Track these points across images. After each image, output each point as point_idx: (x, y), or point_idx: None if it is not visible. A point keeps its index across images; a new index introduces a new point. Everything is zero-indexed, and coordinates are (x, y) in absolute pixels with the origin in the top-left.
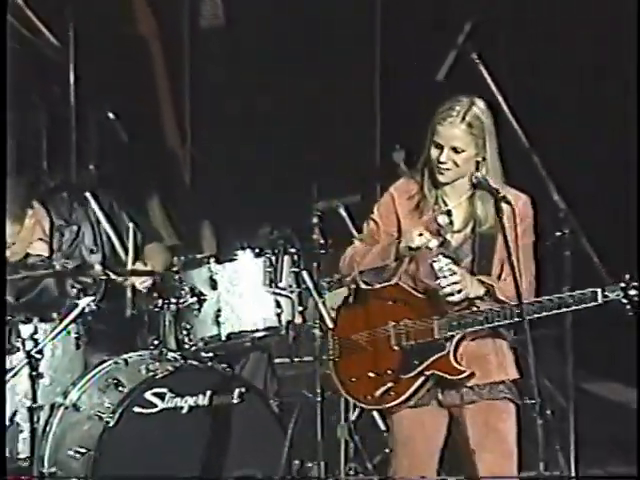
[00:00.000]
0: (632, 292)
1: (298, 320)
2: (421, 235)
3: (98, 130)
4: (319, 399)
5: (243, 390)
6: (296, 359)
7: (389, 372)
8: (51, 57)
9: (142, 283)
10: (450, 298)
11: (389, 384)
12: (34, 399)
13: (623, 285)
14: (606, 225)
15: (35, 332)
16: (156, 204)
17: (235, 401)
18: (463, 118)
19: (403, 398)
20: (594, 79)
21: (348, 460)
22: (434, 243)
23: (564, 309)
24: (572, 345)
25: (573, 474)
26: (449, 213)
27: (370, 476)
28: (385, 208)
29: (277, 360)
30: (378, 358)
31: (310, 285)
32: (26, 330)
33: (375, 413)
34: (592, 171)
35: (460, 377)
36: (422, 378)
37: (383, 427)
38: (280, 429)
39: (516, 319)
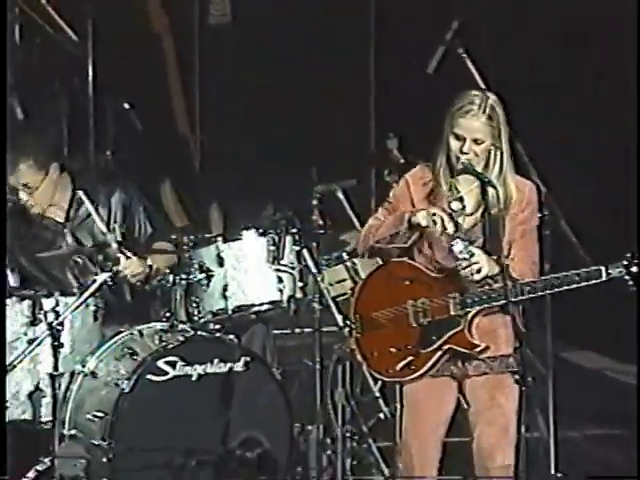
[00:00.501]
0: (634, 269)
1: (299, 295)
2: (434, 214)
3: (115, 119)
4: (318, 367)
5: (248, 359)
6: (297, 330)
7: (409, 347)
8: (71, 51)
9: (134, 276)
10: (471, 277)
11: (409, 358)
12: (56, 367)
13: (625, 263)
14: (584, 208)
15: (56, 305)
16: (168, 188)
17: (240, 369)
18: (484, 111)
19: (422, 371)
20: (572, 68)
21: (345, 423)
22: (451, 228)
23: (571, 286)
24: (551, 318)
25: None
26: (461, 199)
27: (365, 440)
28: (401, 193)
29: (279, 331)
30: (398, 334)
31: (310, 262)
32: (48, 303)
33: (380, 400)
34: (571, 157)
35: (476, 350)
36: (440, 352)
37: (387, 415)
38: (282, 395)
39: (528, 296)
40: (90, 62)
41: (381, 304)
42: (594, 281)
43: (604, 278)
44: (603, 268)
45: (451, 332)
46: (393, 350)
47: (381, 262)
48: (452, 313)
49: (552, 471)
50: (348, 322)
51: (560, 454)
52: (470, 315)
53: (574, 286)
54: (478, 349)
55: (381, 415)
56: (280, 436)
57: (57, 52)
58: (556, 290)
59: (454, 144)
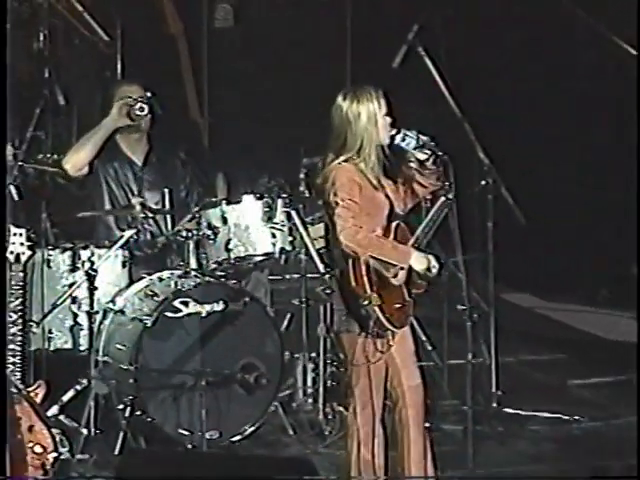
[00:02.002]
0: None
1: (288, 247)
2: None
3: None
4: (304, 306)
5: (247, 299)
6: (287, 276)
7: (404, 301)
8: (103, 50)
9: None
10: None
11: (405, 309)
12: (91, 306)
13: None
14: (519, 177)
15: (92, 255)
16: (183, 159)
17: (241, 308)
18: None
19: (410, 319)
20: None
21: (326, 352)
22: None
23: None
24: (493, 266)
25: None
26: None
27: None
28: (356, 192)
29: (273, 277)
30: (395, 294)
31: (297, 221)
32: (85, 254)
33: None
34: (510, 134)
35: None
36: (412, 300)
37: None
38: (274, 329)
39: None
40: (119, 59)
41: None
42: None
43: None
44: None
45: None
46: (397, 306)
47: None
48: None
49: (493, 389)
50: (370, 295)
51: (500, 376)
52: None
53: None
54: (423, 289)
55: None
56: (273, 362)
57: (92, 50)
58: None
59: (382, 128)
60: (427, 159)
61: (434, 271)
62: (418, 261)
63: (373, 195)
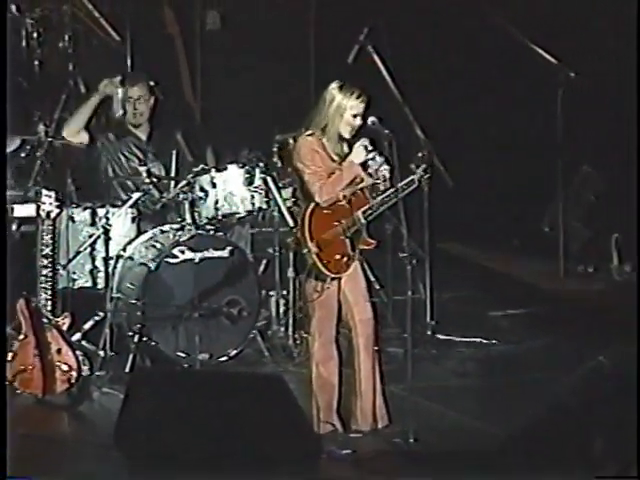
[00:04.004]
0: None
1: (265, 206)
2: (364, 147)
3: None
4: (277, 254)
5: (231, 248)
6: (263, 229)
7: (345, 253)
8: (114, 47)
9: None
10: (383, 185)
11: (345, 259)
12: (107, 253)
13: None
14: (448, 147)
15: (107, 213)
16: (180, 136)
17: (227, 255)
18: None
19: (352, 266)
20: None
21: (295, 290)
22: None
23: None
24: (428, 220)
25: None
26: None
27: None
28: (321, 158)
29: (252, 230)
30: (338, 246)
31: (272, 186)
32: (101, 212)
33: None
34: (442, 115)
35: (372, 247)
36: (357, 251)
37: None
38: (253, 271)
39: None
40: (128, 54)
41: (324, 229)
42: (413, 187)
43: (416, 184)
44: (415, 176)
45: (361, 237)
46: (337, 257)
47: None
48: (359, 225)
49: (428, 320)
50: (309, 246)
51: (434, 309)
52: (366, 224)
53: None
54: (373, 246)
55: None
56: (252, 298)
57: (106, 48)
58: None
59: (344, 122)
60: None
61: (378, 160)
62: (356, 155)
63: (331, 166)
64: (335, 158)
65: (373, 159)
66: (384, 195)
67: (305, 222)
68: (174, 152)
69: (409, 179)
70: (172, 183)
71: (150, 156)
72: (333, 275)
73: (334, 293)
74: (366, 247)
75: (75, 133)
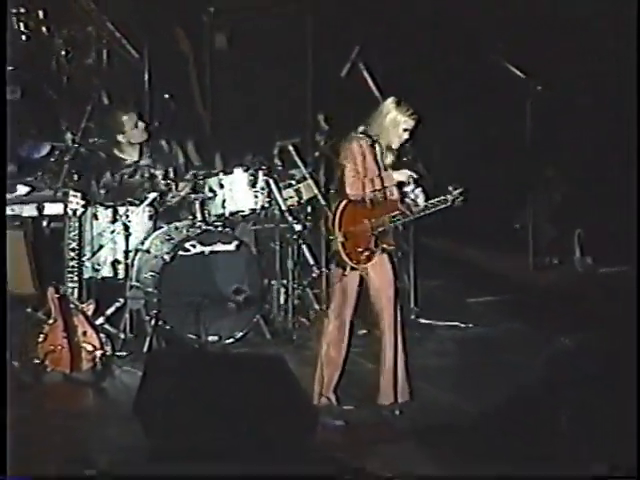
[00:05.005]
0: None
1: (267, 205)
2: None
3: (161, 103)
4: (278, 248)
5: (237, 242)
6: (266, 226)
7: (368, 248)
8: (134, 64)
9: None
10: (415, 206)
11: (367, 253)
12: (127, 247)
13: (456, 192)
14: (432, 154)
15: (127, 211)
16: (192, 144)
17: (233, 248)
18: None
19: (373, 261)
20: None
21: (294, 279)
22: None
23: (439, 207)
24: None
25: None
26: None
27: (304, 289)
28: (361, 157)
29: (255, 227)
30: (363, 240)
31: (273, 187)
32: (122, 210)
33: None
34: (427, 122)
35: (392, 247)
36: (380, 249)
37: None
38: (257, 263)
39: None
40: (146, 70)
41: (353, 223)
42: (443, 205)
43: (449, 203)
44: (450, 197)
45: (385, 238)
46: (359, 249)
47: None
48: (387, 226)
49: (412, 306)
50: (336, 234)
51: (418, 296)
52: (392, 227)
53: (442, 207)
54: (392, 247)
55: (314, 274)
56: (256, 287)
57: (127, 64)
58: (427, 212)
59: (396, 135)
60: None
61: (415, 190)
62: (399, 175)
63: (372, 169)
64: (380, 164)
65: (409, 184)
66: (417, 208)
67: (337, 214)
68: (184, 158)
69: (443, 198)
70: (184, 185)
71: (164, 160)
72: (352, 264)
73: (355, 284)
74: (386, 247)
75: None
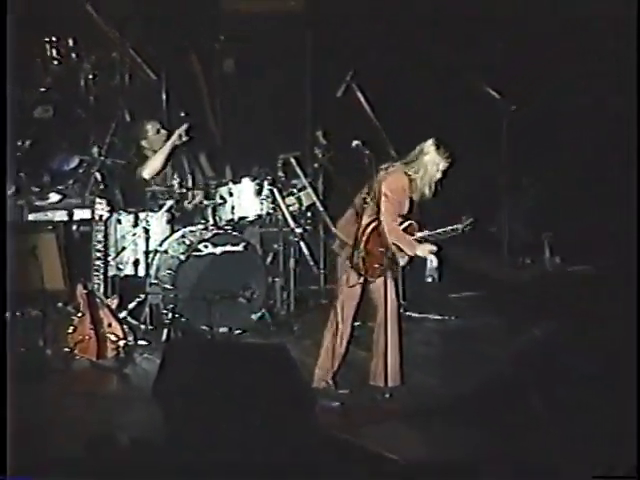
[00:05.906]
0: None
1: (271, 211)
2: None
3: (178, 121)
4: (282, 248)
5: (245, 244)
6: (270, 229)
7: (382, 265)
8: (153, 84)
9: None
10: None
11: (381, 268)
12: (147, 248)
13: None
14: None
15: (147, 216)
16: (204, 156)
17: (241, 249)
18: None
19: (384, 274)
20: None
21: (295, 278)
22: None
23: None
24: None
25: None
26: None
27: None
28: (402, 197)
29: (261, 229)
30: (379, 259)
31: (277, 195)
32: (142, 215)
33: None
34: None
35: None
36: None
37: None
38: (262, 262)
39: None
40: (164, 91)
41: (377, 244)
42: (455, 233)
43: (460, 231)
44: (460, 226)
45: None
46: (375, 266)
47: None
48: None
49: (401, 300)
50: (360, 249)
51: (406, 292)
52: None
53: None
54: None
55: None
56: (262, 284)
57: (146, 85)
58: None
59: (433, 175)
60: None
61: (434, 262)
62: (421, 250)
63: (406, 204)
64: (414, 198)
65: (431, 262)
66: (431, 233)
67: (367, 232)
68: (198, 169)
69: (455, 226)
70: (198, 193)
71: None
72: (368, 277)
73: (360, 287)
74: (394, 269)
75: (155, 172)
